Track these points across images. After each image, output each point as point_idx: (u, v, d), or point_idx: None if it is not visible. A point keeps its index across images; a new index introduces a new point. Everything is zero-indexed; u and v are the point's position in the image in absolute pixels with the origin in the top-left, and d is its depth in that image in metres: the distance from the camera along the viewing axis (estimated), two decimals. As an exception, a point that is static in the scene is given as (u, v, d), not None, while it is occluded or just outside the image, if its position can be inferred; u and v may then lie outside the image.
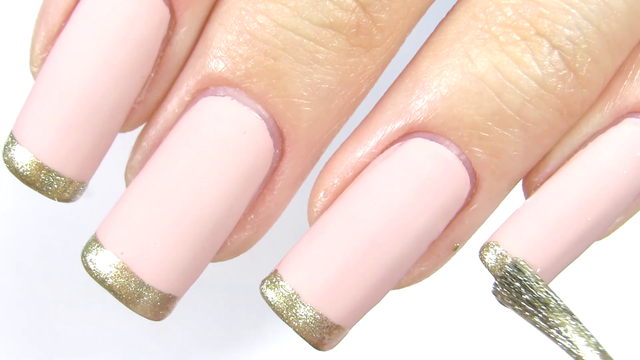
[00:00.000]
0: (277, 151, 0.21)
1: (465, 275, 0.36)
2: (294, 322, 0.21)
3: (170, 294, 0.21)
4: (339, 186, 0.22)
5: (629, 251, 0.41)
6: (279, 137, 0.21)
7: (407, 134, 0.21)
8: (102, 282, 0.20)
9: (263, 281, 0.21)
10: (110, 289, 0.20)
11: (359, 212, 0.21)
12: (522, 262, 0.21)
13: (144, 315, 0.21)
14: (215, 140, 0.21)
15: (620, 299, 0.41)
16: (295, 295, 0.21)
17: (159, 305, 0.21)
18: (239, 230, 0.22)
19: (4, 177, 0.36)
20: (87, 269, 0.21)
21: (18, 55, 0.32)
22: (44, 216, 0.37)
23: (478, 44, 0.21)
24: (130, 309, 0.21)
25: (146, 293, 0.20)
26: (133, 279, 0.20)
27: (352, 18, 0.21)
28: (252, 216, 0.22)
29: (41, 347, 0.37)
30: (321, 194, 0.22)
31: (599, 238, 0.22)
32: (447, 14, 0.22)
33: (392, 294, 0.23)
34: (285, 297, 0.21)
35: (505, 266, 0.21)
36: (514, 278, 0.21)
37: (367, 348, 0.39)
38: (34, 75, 0.22)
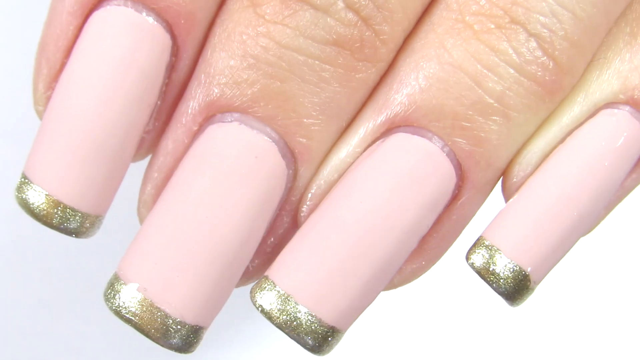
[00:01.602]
0: (291, 172, 0.21)
1: (458, 274, 0.36)
2: (288, 328, 0.20)
3: (197, 325, 0.21)
4: (325, 189, 0.21)
5: (624, 252, 0.41)
6: (291, 157, 0.21)
7: (389, 129, 0.21)
8: (128, 320, 0.20)
9: (253, 289, 0.21)
10: (136, 326, 0.20)
11: (345, 211, 0.21)
12: None
13: (172, 348, 0.20)
14: (227, 168, 0.21)
15: (614, 300, 0.41)
16: (288, 299, 0.20)
17: (186, 338, 0.20)
18: (260, 254, 0.22)
19: (4, 177, 0.36)
20: (114, 310, 0.20)
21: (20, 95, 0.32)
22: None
23: (453, 34, 0.21)
24: (158, 344, 0.20)
25: (173, 327, 0.20)
26: (159, 313, 0.20)
27: (355, 32, 0.20)
28: (272, 239, 0.22)
29: (41, 347, 0.37)
30: (307, 199, 0.22)
31: (585, 233, 0.22)
32: None
33: (386, 295, 0.22)
34: (278, 302, 0.20)
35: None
36: None
37: (362, 350, 0.39)
38: (39, 114, 0.22)
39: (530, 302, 0.33)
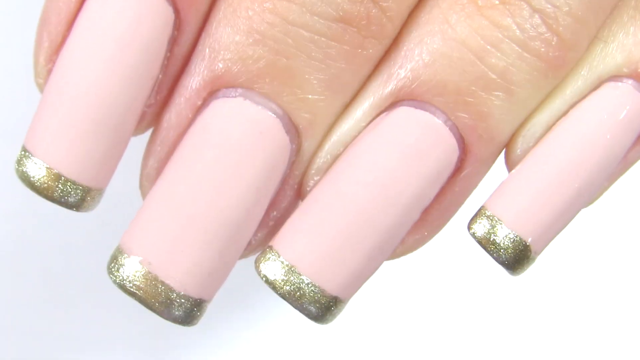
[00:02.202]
0: (294, 146, 0.21)
1: (461, 248, 0.36)
2: (292, 298, 0.21)
3: (200, 298, 0.21)
4: (330, 162, 0.22)
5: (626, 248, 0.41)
6: (295, 132, 0.21)
7: (393, 103, 0.21)
8: (133, 293, 0.20)
9: (258, 258, 0.21)
10: (140, 299, 0.20)
11: (349, 183, 0.21)
12: None
13: (175, 321, 0.21)
14: (231, 143, 0.21)
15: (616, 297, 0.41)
16: (292, 269, 0.21)
17: (190, 311, 0.21)
18: (263, 227, 0.22)
19: (4, 177, 0.36)
20: (118, 283, 0.21)
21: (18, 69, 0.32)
22: (44, 216, 0.38)
23: (457, 9, 0.21)
24: (161, 317, 0.21)
25: (177, 300, 0.20)
26: (162, 287, 0.20)
27: (362, 9, 0.20)
28: (275, 212, 0.22)
29: (41, 347, 0.37)
30: (312, 172, 0.22)
31: (586, 205, 0.22)
32: None
33: (387, 275, 0.23)
34: (282, 272, 0.21)
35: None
36: None
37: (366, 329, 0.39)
38: (40, 87, 0.22)
39: (530, 294, 0.33)
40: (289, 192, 0.22)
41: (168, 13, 0.21)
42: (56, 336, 0.38)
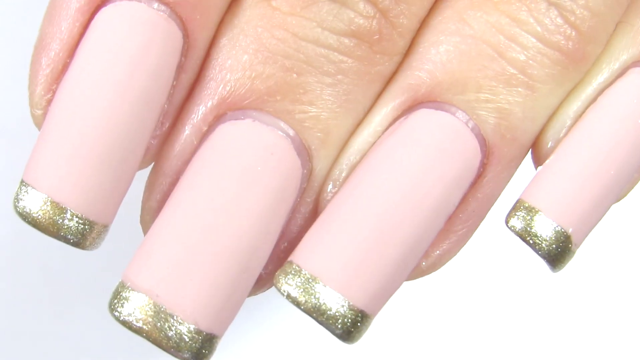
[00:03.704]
0: (305, 171, 0.21)
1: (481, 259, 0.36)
2: (317, 312, 0.20)
3: (211, 333, 0.20)
4: (348, 172, 0.21)
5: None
6: (306, 155, 0.21)
7: (411, 106, 0.21)
8: (139, 329, 0.19)
9: (277, 275, 0.20)
10: (148, 334, 0.19)
11: (370, 191, 0.20)
12: None
13: None
14: (242, 167, 0.20)
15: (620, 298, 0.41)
16: (316, 281, 0.20)
17: (200, 349, 0.19)
18: (274, 260, 0.21)
19: (4, 177, 0.36)
20: (123, 320, 0.19)
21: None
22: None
23: (473, 7, 0.21)
24: (170, 354, 0.20)
25: (187, 335, 0.19)
26: (172, 320, 0.19)
27: (374, 25, 0.20)
28: (286, 244, 0.21)
29: (41, 347, 0.37)
30: (330, 186, 0.21)
31: (620, 194, 0.22)
32: None
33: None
34: (305, 287, 0.20)
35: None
36: None
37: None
38: (37, 118, 0.20)
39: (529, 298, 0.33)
40: (300, 222, 0.21)
41: (177, 37, 0.20)
42: (55, 337, 0.38)
